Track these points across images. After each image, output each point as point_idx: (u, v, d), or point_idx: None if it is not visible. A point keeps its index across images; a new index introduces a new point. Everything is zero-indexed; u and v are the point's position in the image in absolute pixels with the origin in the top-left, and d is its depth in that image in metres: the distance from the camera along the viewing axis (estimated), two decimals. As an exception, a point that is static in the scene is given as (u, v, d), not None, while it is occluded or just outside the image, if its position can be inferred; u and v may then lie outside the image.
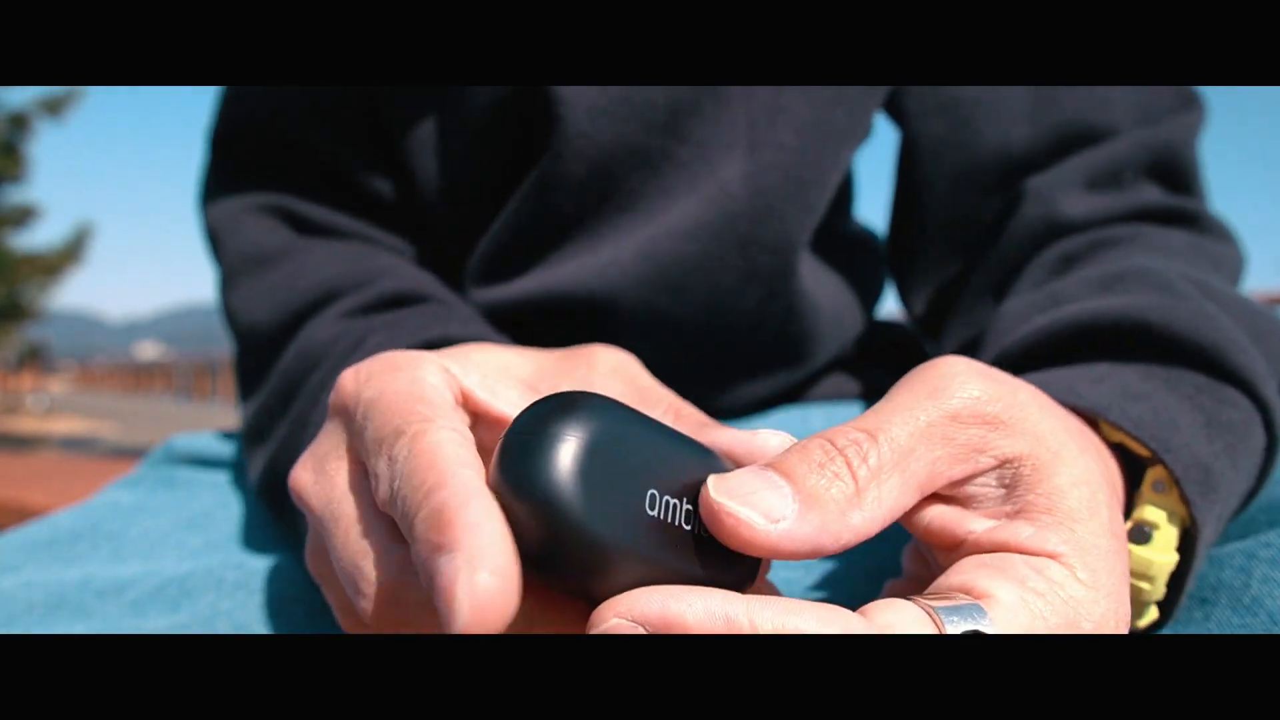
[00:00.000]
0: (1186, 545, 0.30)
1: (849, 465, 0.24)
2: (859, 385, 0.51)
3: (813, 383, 0.50)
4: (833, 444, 0.24)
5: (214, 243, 0.49)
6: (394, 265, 0.45)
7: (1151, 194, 0.44)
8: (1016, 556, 0.24)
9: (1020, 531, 0.25)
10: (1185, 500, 0.29)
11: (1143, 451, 0.29)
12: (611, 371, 0.31)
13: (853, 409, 0.49)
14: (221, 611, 0.38)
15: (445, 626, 0.19)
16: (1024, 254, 0.44)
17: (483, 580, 0.19)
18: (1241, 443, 0.31)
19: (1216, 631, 0.31)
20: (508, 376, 0.30)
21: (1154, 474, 0.30)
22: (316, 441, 0.29)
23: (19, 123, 10.88)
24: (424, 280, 0.44)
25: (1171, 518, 0.29)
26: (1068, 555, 0.24)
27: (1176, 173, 0.45)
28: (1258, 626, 0.30)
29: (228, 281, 0.47)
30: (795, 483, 0.23)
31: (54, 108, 11.03)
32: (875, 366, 0.53)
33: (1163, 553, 0.29)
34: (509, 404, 0.28)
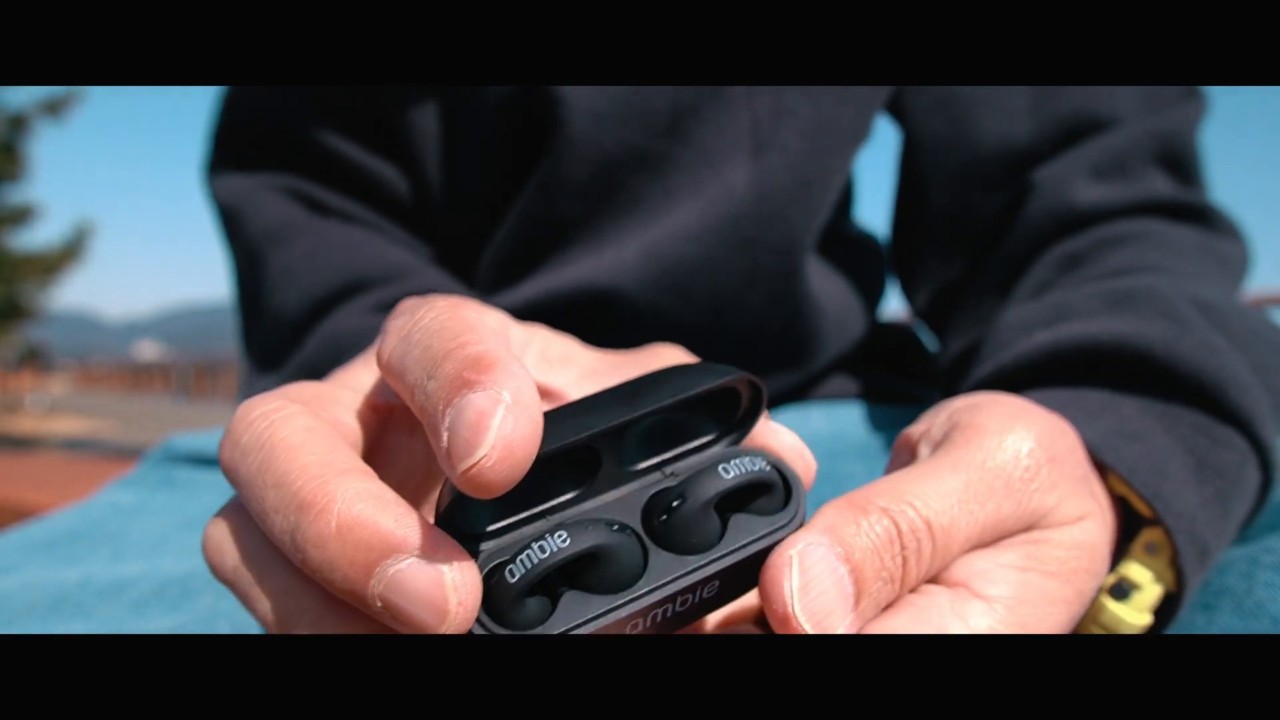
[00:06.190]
0: (1165, 606, 0.29)
1: (905, 567, 0.24)
2: (861, 385, 0.51)
3: (815, 383, 0.50)
4: (900, 540, 0.23)
5: (231, 218, 0.48)
6: (413, 262, 0.45)
7: (1159, 184, 0.44)
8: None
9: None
10: (1178, 568, 0.29)
11: (1145, 510, 0.29)
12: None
13: (853, 408, 0.49)
14: (221, 612, 0.37)
15: (455, 464, 0.18)
16: (1030, 248, 0.44)
17: (522, 420, 0.18)
18: (1233, 486, 0.30)
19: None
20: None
21: (1149, 535, 0.29)
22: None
23: (18, 123, 10.88)
24: (445, 283, 0.44)
25: (1157, 579, 0.29)
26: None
27: (1182, 162, 0.44)
28: (1260, 631, 0.30)
29: (255, 256, 0.46)
30: (862, 593, 0.23)
31: (54, 109, 11.02)
32: (877, 367, 0.52)
33: (1137, 613, 0.28)
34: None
